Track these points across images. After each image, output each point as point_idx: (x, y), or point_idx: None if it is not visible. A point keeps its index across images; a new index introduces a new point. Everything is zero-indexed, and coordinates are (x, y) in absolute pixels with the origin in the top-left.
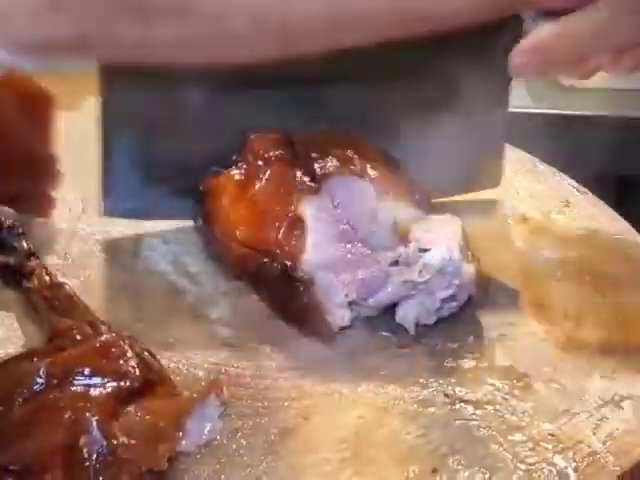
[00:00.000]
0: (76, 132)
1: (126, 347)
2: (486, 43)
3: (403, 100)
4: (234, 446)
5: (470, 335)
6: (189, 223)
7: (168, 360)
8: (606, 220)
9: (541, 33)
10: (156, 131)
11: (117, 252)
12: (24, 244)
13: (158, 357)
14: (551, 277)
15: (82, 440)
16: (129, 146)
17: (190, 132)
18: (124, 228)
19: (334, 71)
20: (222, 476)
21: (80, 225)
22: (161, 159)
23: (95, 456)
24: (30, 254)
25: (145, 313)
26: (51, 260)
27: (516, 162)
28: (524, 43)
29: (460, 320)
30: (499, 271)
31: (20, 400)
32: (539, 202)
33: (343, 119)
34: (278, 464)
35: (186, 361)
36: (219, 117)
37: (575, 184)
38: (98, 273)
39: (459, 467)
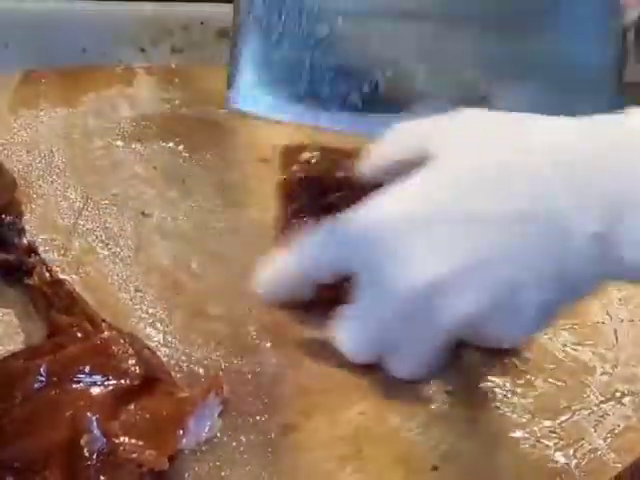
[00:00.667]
0: (76, 128)
1: (126, 345)
2: None
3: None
4: (234, 444)
5: None
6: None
7: (168, 357)
8: None
9: None
10: (286, 36)
11: (117, 248)
12: (24, 240)
13: (158, 354)
14: None
15: (83, 439)
16: (257, 45)
17: (321, 43)
18: (124, 222)
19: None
20: (222, 474)
21: (80, 221)
22: (286, 63)
23: (96, 455)
24: (30, 251)
25: (145, 309)
26: (51, 256)
27: None
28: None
29: None
30: None
31: (20, 398)
32: None
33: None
34: (278, 462)
35: (186, 358)
36: (353, 37)
37: None
38: (98, 269)
39: (460, 465)
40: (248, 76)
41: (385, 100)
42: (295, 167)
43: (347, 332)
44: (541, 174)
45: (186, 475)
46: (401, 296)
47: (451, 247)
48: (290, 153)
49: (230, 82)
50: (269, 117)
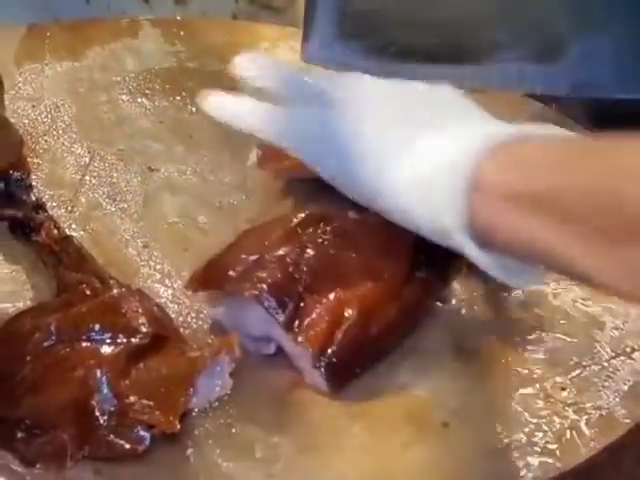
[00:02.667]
0: (82, 82)
1: (136, 302)
2: None
3: None
4: (244, 401)
5: (480, 288)
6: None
7: (177, 313)
8: None
9: None
10: None
11: (124, 203)
12: (32, 197)
13: (167, 311)
14: None
15: (94, 399)
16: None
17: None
18: (131, 178)
19: None
20: (233, 430)
21: (87, 177)
22: (361, 16)
23: (107, 415)
24: (38, 207)
25: (153, 265)
26: (58, 212)
27: None
28: None
29: (471, 273)
30: None
31: (30, 356)
32: None
33: None
34: (289, 418)
35: (195, 314)
36: None
37: None
38: (105, 225)
39: (470, 421)
40: (325, 28)
41: (464, 51)
42: None
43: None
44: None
45: (196, 432)
46: None
47: None
48: None
49: (306, 35)
50: (345, 69)
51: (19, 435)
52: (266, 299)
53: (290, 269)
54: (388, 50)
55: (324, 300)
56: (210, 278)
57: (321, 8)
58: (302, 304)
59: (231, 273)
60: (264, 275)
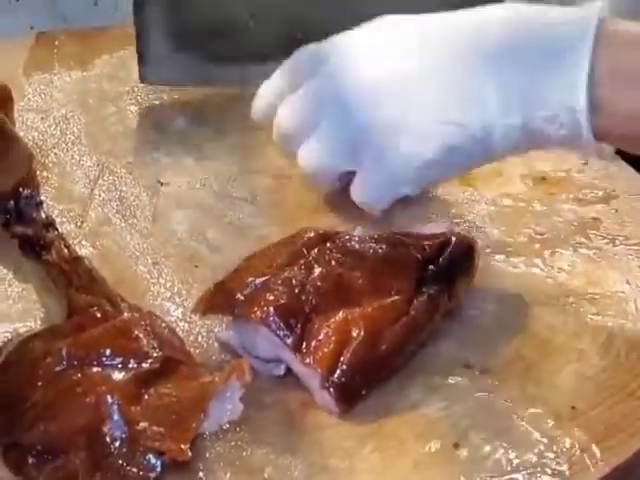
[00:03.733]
0: (91, 93)
1: (147, 326)
2: None
3: None
4: (255, 422)
5: (489, 300)
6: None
7: (187, 332)
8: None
9: None
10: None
11: (134, 219)
12: (42, 214)
13: (177, 330)
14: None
15: (105, 426)
16: (161, 13)
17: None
18: (140, 192)
19: None
20: (244, 453)
21: (96, 191)
22: (192, 25)
23: (118, 442)
24: (48, 224)
25: (163, 283)
26: (68, 227)
27: None
28: None
29: (478, 288)
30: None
31: (42, 381)
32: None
33: None
34: (299, 440)
35: (206, 333)
36: None
37: None
38: (115, 241)
39: (480, 441)
40: (158, 47)
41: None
42: None
43: (310, 151)
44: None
45: (207, 455)
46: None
47: None
48: None
49: (141, 57)
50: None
51: (30, 460)
52: (273, 322)
53: (296, 290)
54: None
55: (331, 320)
56: (217, 302)
57: (152, 28)
58: (309, 325)
59: (238, 296)
60: (271, 298)
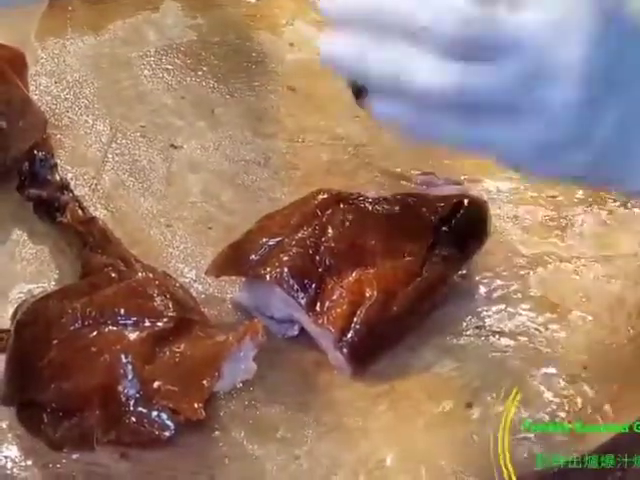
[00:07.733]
0: (104, 58)
1: (161, 286)
2: None
3: None
4: (269, 382)
5: (502, 265)
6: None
7: (201, 293)
8: None
9: None
10: None
11: (147, 182)
12: (56, 176)
13: (191, 291)
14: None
15: (120, 385)
16: None
17: None
18: (153, 155)
19: None
20: (257, 412)
21: (110, 154)
22: None
23: (132, 401)
24: (63, 187)
25: (177, 245)
26: (82, 190)
27: None
28: None
29: (490, 250)
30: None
31: (57, 340)
32: None
33: None
34: (313, 399)
35: (219, 294)
36: None
37: None
38: (128, 204)
39: (493, 401)
40: None
41: None
42: None
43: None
44: None
45: (221, 414)
46: None
47: None
48: None
49: None
50: None
51: (46, 419)
52: (287, 282)
53: (310, 251)
54: None
55: (345, 281)
56: (231, 263)
57: None
58: (323, 285)
59: (252, 257)
60: (285, 258)
